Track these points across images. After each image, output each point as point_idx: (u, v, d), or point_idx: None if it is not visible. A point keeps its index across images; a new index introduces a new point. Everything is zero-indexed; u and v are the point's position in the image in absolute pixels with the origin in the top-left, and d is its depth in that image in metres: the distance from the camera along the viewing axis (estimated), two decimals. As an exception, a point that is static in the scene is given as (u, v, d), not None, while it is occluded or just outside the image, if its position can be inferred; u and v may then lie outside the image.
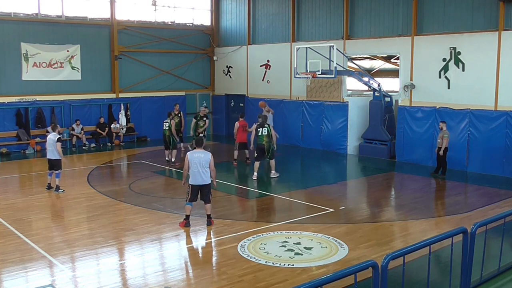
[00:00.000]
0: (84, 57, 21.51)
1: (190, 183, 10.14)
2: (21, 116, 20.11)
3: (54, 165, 13.04)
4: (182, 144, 19.31)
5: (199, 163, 10.00)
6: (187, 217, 10.20)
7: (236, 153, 17.04)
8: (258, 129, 14.72)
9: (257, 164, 14.80)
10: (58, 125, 14.18)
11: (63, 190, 13.08)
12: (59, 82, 21.05)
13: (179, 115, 18.95)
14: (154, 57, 23.55)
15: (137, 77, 23.20)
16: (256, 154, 14.94)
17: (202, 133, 18.27)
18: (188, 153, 10.24)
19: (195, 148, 10.56)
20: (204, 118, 18.57)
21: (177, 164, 16.69)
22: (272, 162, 15.00)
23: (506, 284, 6.35)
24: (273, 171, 15.11)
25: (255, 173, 14.77)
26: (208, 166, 10.11)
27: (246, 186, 14.52)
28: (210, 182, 10.25)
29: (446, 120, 16.32)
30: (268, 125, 14.92)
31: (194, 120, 18.58)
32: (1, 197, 12.73)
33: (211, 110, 25.87)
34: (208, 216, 10.34)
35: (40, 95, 20.53)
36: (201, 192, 10.18)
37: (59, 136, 13.13)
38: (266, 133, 14.57)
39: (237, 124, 17.02)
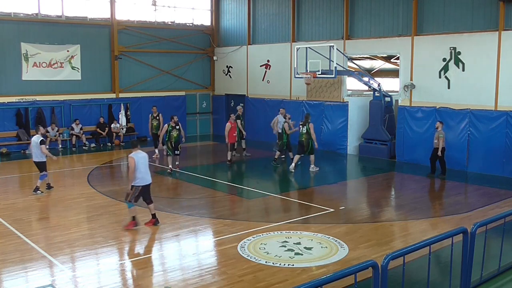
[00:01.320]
0: (84, 57, 21.52)
1: (139, 184, 9.97)
2: (21, 116, 20.11)
3: (39, 167, 12.98)
4: (164, 147, 18.45)
5: (145, 163, 10.11)
6: (134, 217, 10.09)
7: (229, 154, 17.04)
8: (301, 127, 16.10)
9: (297, 157, 16.08)
10: (41, 127, 14.22)
11: (42, 193, 12.95)
12: (59, 82, 21.06)
13: (157, 117, 18.37)
14: (154, 57, 23.55)
15: (137, 77, 23.20)
16: (298, 149, 16.20)
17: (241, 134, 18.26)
18: (132, 155, 10.03)
19: (136, 149, 10.29)
20: (241, 117, 18.69)
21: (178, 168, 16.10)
22: (312, 157, 16.14)
23: (506, 284, 6.35)
24: (312, 165, 16.15)
25: (293, 165, 15.91)
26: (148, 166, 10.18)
27: (246, 186, 14.54)
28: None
29: (446, 120, 16.34)
30: (309, 123, 15.88)
31: (239, 121, 18.23)
32: (1, 197, 12.73)
33: (211, 110, 25.89)
34: (154, 216, 10.26)
35: (40, 95, 20.54)
36: (145, 192, 10.14)
37: (42, 138, 13.00)
38: (305, 131, 15.84)
39: (228, 125, 17.02)
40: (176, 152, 15.65)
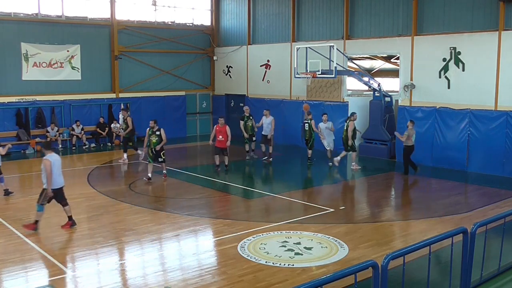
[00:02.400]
0: (84, 57, 21.52)
1: (53, 187, 9.82)
2: (21, 116, 20.12)
3: None
4: (124, 155, 17.55)
5: (59, 166, 10.07)
6: (37, 222, 9.89)
7: (217, 158, 15.90)
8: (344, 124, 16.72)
9: (344, 153, 16.80)
10: None
11: (13, 193, 12.80)
12: (59, 82, 21.06)
13: (125, 120, 17.29)
14: (154, 57, 23.55)
15: (137, 77, 23.20)
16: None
17: (253, 134, 17.93)
18: (47, 157, 9.91)
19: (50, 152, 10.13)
20: (251, 117, 18.04)
21: (164, 178, 14.83)
22: (353, 154, 16.83)
23: (506, 284, 6.35)
24: (353, 163, 16.73)
25: (336, 158, 16.75)
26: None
27: (246, 186, 14.54)
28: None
29: (446, 120, 16.37)
30: (349, 121, 16.34)
31: (241, 122, 17.92)
32: (1, 197, 12.73)
33: (211, 110, 25.88)
34: (70, 218, 10.16)
35: (40, 95, 20.54)
36: (58, 195, 10.05)
37: None
38: (345, 128, 16.42)
39: (215, 128, 15.99)
40: (159, 159, 14.47)
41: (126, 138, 17.42)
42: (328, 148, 17.16)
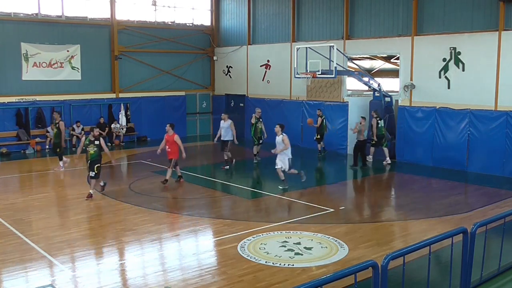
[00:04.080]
0: (84, 57, 21.52)
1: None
2: (21, 116, 20.13)
3: None
4: (60, 163, 16.02)
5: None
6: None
7: (168, 172, 13.97)
8: (378, 122, 16.92)
9: (386, 149, 17.31)
10: None
11: None
12: (59, 82, 21.06)
13: (57, 125, 15.78)
14: (154, 57, 23.55)
15: (137, 77, 23.20)
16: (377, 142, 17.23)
17: (261, 137, 17.40)
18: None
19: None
20: (261, 120, 17.59)
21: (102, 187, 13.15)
22: (385, 150, 17.22)
23: (506, 284, 6.35)
24: (387, 158, 17.27)
25: (387, 158, 17.18)
26: None
27: (247, 186, 14.53)
28: None
29: (446, 120, 16.37)
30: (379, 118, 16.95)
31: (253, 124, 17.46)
32: (1, 197, 12.73)
33: (211, 110, 25.88)
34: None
35: (40, 95, 20.54)
36: None
37: None
38: (382, 125, 17.05)
39: (165, 137, 14.06)
40: (91, 173, 12.34)
41: (56, 144, 15.83)
42: (278, 167, 13.68)
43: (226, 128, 16.22)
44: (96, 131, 12.63)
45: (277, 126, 13.66)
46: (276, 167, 13.61)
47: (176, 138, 13.68)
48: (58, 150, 15.99)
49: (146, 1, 23.31)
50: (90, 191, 12.41)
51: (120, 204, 12.16)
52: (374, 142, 17.04)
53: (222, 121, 16.42)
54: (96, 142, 12.33)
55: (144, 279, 7.73)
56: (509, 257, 6.80)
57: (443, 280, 6.76)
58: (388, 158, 17.22)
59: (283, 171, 13.61)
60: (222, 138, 16.29)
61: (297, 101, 21.18)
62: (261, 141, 17.58)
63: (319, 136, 18.63)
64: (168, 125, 14.04)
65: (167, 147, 13.80)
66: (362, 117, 16.91)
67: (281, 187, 13.47)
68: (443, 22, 16.57)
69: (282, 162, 13.55)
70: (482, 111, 15.59)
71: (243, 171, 17.10)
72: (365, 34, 18.99)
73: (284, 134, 13.51)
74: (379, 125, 16.96)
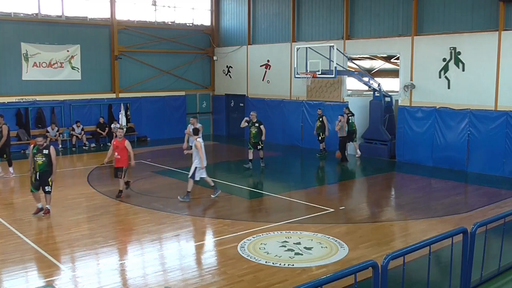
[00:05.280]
0: (84, 57, 21.53)
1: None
2: (21, 116, 20.13)
3: None
4: (10, 168, 15.25)
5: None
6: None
7: (121, 182, 12.67)
8: (349, 118, 17.79)
9: (356, 144, 18.43)
10: None
11: None
12: (59, 82, 21.07)
13: (0, 129, 14.87)
14: (154, 57, 23.55)
15: (137, 77, 23.21)
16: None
17: (256, 142, 16.14)
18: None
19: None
20: (256, 124, 16.18)
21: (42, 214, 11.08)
22: (355, 144, 18.43)
23: (506, 284, 6.34)
24: (357, 151, 18.45)
25: (358, 151, 18.22)
26: None
27: (246, 186, 14.54)
28: None
29: (446, 120, 16.37)
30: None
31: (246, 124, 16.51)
32: (1, 197, 12.73)
33: (211, 110, 25.88)
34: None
35: (40, 95, 20.55)
36: None
37: None
38: (353, 121, 17.85)
39: (113, 143, 12.72)
40: (46, 188, 10.76)
41: (1, 150, 14.96)
42: (202, 176, 12.62)
43: None
44: (40, 140, 10.68)
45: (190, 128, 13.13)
46: (201, 176, 12.49)
47: (127, 144, 12.35)
48: (5, 156, 15.10)
49: (146, 1, 23.31)
50: (47, 206, 10.88)
51: (120, 204, 12.16)
52: (341, 138, 17.84)
53: (190, 126, 14.91)
54: (45, 151, 10.65)
55: (144, 279, 7.73)
56: (509, 257, 6.80)
57: (443, 280, 6.76)
58: (358, 151, 18.42)
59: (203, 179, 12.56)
60: (191, 144, 14.03)
61: (297, 101, 21.18)
62: (258, 147, 16.32)
63: (323, 136, 18.65)
64: (119, 129, 12.95)
65: (116, 153, 12.29)
66: (340, 114, 17.64)
67: (180, 199, 12.25)
68: (443, 22, 16.57)
69: (192, 168, 12.41)
70: (482, 111, 15.59)
71: (243, 172, 17.10)
72: (365, 34, 18.99)
73: (198, 140, 12.34)
74: (350, 121, 17.83)
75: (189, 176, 12.40)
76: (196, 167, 12.34)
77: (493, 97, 15.43)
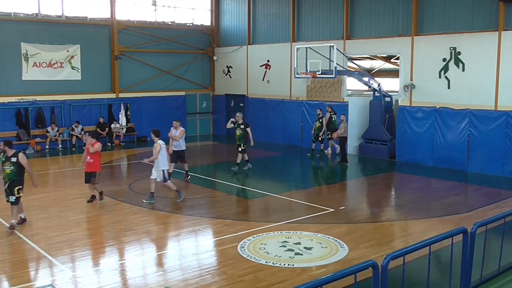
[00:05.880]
0: (84, 57, 21.52)
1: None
2: (21, 116, 20.13)
3: None
4: None
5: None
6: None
7: (96, 188, 12.02)
8: (332, 116, 18.29)
9: (331, 142, 19.13)
10: None
11: None
12: (59, 82, 21.06)
13: None
14: (154, 57, 23.55)
15: (137, 77, 23.20)
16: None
17: (240, 144, 15.55)
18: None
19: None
20: (242, 126, 15.60)
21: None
22: (331, 142, 19.19)
23: (506, 284, 6.35)
24: (328, 149, 19.32)
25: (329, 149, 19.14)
26: None
27: (246, 186, 14.53)
28: None
29: (446, 120, 16.37)
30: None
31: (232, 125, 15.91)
32: (1, 197, 12.71)
33: (211, 110, 25.87)
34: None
35: (40, 95, 20.54)
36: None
37: None
38: (336, 119, 18.39)
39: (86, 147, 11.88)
40: (10, 199, 9.95)
41: None
42: (152, 177, 12.17)
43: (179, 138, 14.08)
44: (3, 147, 10.00)
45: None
46: (151, 176, 12.12)
47: (98, 146, 11.64)
48: None
49: (146, 1, 23.31)
50: (12, 221, 9.97)
51: (120, 204, 12.16)
52: (329, 136, 18.65)
53: (173, 129, 14.10)
54: (13, 159, 9.89)
55: (144, 279, 7.73)
56: (509, 257, 6.80)
57: (443, 280, 6.76)
58: (329, 149, 19.22)
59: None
60: (174, 148, 14.00)
61: (297, 101, 21.18)
62: (240, 149, 15.61)
63: (323, 136, 18.64)
64: (88, 135, 12.13)
65: (88, 157, 11.64)
66: (342, 114, 17.78)
67: (145, 201, 11.99)
68: (443, 22, 16.57)
69: (157, 173, 11.97)
70: (482, 111, 15.59)
71: (243, 172, 17.09)
72: (365, 34, 18.99)
73: (158, 142, 11.83)
74: (333, 119, 18.37)
75: (162, 182, 12.05)
76: (163, 170, 11.95)
77: (493, 97, 15.43)
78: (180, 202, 12.09)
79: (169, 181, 12.19)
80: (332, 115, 18.29)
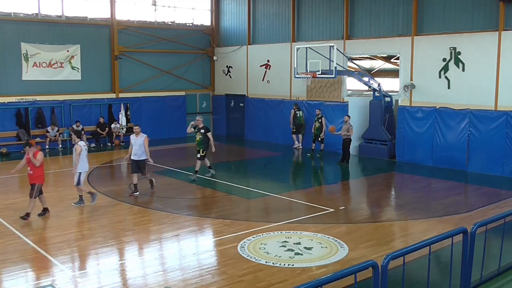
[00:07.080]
0: (84, 57, 21.52)
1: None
2: (21, 116, 20.12)
3: None
4: None
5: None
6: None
7: (32, 203, 10.74)
8: (296, 112, 20.12)
9: (300, 136, 20.43)
10: None
11: None
12: (59, 82, 21.06)
13: None
14: (154, 57, 23.55)
15: (137, 77, 23.20)
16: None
17: (199, 150, 14.54)
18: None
19: None
20: (202, 131, 14.49)
21: None
22: (300, 136, 20.54)
23: (506, 284, 6.35)
24: (299, 144, 20.52)
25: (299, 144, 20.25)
26: None
27: (246, 186, 14.53)
28: None
29: (446, 120, 16.37)
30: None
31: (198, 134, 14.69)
32: (1, 197, 12.73)
33: (211, 110, 25.86)
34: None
35: (40, 95, 20.54)
36: None
37: None
38: (301, 115, 20.35)
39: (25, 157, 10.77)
40: None
41: None
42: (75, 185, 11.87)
43: (140, 145, 12.82)
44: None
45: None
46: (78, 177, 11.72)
47: (40, 156, 10.67)
48: None
49: (146, 1, 23.30)
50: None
51: (120, 204, 12.16)
52: (294, 130, 20.29)
53: (133, 136, 13.03)
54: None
55: (144, 279, 7.73)
56: (509, 257, 6.80)
57: (443, 280, 6.76)
58: (300, 144, 20.45)
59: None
60: (133, 157, 12.90)
61: (297, 101, 21.17)
62: (198, 155, 14.60)
63: (323, 137, 18.69)
64: (27, 145, 11.00)
65: (28, 168, 10.65)
66: (346, 115, 17.61)
67: (74, 204, 11.78)
68: (443, 22, 16.57)
69: (75, 176, 11.57)
70: (482, 111, 15.59)
71: (243, 172, 17.12)
72: (365, 34, 18.98)
73: (79, 143, 11.58)
74: (298, 115, 20.12)
75: (75, 184, 11.74)
76: (80, 173, 11.64)
77: (493, 97, 15.43)
78: (180, 202, 12.09)
79: (81, 184, 11.77)
80: (297, 111, 20.18)
